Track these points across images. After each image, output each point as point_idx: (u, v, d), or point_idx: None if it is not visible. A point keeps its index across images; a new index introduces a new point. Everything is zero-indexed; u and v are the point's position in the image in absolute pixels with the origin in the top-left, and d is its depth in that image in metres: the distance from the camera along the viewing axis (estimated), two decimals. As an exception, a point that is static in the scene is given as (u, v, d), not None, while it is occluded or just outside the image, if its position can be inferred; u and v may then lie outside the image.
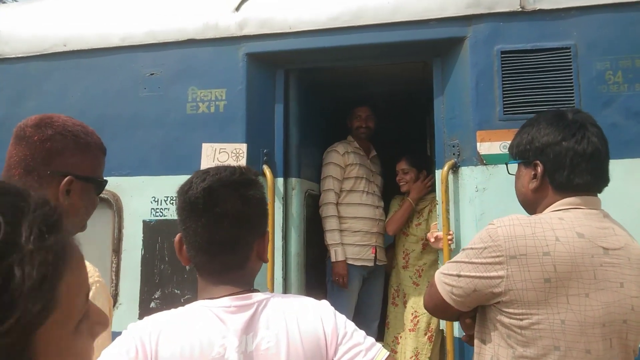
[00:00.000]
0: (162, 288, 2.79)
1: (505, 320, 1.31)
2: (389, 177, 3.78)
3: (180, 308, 1.11)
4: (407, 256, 3.35)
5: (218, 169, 1.17)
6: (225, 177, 1.14)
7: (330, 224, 3.30)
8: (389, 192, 3.73)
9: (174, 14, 2.98)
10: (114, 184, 2.89)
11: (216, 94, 2.84)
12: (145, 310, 2.77)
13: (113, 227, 2.87)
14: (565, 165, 1.38)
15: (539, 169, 1.41)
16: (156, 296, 2.79)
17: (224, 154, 2.75)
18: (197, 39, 2.92)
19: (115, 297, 2.81)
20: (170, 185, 2.82)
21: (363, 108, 3.62)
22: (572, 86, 2.50)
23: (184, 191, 1.15)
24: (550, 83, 2.52)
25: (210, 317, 1.07)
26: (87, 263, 1.15)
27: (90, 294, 1.08)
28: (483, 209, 2.53)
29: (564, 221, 1.32)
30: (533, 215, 1.40)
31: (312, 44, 2.81)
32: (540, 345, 1.26)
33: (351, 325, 1.14)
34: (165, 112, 2.90)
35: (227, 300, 1.09)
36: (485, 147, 2.54)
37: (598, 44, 2.52)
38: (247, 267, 1.16)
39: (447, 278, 1.41)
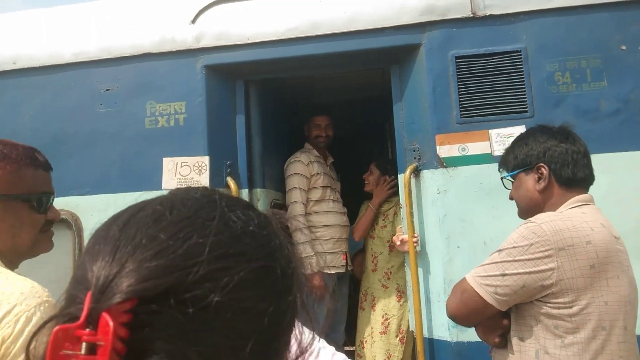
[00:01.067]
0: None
1: (553, 311, 1.40)
2: (350, 183, 3.82)
3: None
4: (375, 259, 3.38)
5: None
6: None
7: (302, 236, 3.28)
8: (348, 197, 3.75)
9: (129, 28, 2.94)
10: (73, 203, 2.82)
11: (175, 108, 2.81)
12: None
13: (73, 248, 2.78)
14: (568, 162, 1.58)
15: (545, 170, 1.59)
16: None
17: (185, 167, 2.71)
18: (153, 52, 2.88)
19: (78, 320, 2.72)
20: (131, 202, 2.73)
21: (322, 117, 3.62)
22: (524, 88, 2.60)
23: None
24: (503, 85, 2.61)
25: None
26: (34, 283, 1.12)
27: (37, 315, 1.05)
28: (445, 210, 2.58)
29: (586, 215, 1.48)
30: (559, 212, 1.53)
31: (271, 55, 2.81)
32: (589, 328, 1.39)
33: None
34: (123, 127, 2.84)
35: None
36: (444, 150, 2.60)
37: (546, 47, 2.62)
38: None
39: (487, 280, 1.47)
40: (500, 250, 1.49)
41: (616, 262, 1.43)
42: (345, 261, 3.42)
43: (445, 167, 2.60)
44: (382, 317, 3.20)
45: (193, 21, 2.87)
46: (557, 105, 2.58)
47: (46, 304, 1.11)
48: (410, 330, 2.81)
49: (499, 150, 2.56)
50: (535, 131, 1.68)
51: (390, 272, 3.29)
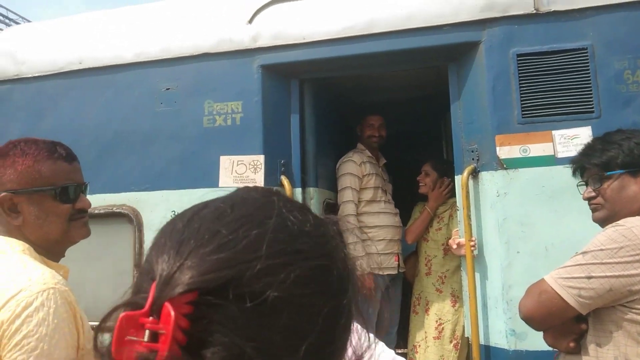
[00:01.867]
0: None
1: (638, 317, 1.38)
2: (402, 183, 3.77)
3: None
4: (429, 262, 3.33)
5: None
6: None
7: (352, 236, 3.26)
8: (401, 198, 3.71)
9: (188, 29, 3.00)
10: (134, 199, 2.91)
11: (232, 107, 2.85)
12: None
13: (134, 242, 2.88)
14: None
15: None
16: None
17: (241, 166, 2.75)
18: (211, 52, 2.93)
19: (137, 312, 2.82)
20: (189, 198, 2.83)
21: (376, 117, 3.59)
22: (590, 87, 2.48)
23: None
24: (568, 84, 2.50)
25: None
26: (46, 271, 1.16)
27: (39, 301, 1.08)
28: (505, 214, 2.51)
29: None
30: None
31: (326, 54, 2.81)
32: None
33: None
34: (182, 126, 2.91)
35: None
36: (505, 151, 2.53)
37: (615, 44, 2.50)
38: None
39: (571, 282, 1.44)
40: (585, 253, 1.45)
41: None
42: (397, 263, 3.39)
43: (506, 168, 2.53)
44: (436, 321, 3.15)
45: (250, 21, 2.91)
46: (627, 105, 2.46)
47: (51, 291, 1.12)
48: (466, 336, 2.75)
49: (562, 152, 2.47)
50: (633, 132, 1.62)
51: (445, 276, 3.23)
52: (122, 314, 0.44)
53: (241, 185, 2.85)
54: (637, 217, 1.47)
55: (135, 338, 0.43)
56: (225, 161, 2.78)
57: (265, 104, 2.83)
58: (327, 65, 2.92)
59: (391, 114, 3.72)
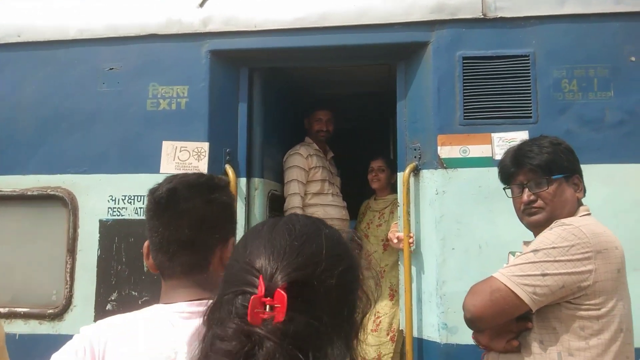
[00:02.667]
0: (119, 290, 2.71)
1: (583, 313, 1.44)
2: (350, 177, 3.80)
3: (135, 312, 1.08)
4: (368, 258, 3.37)
5: (187, 174, 1.22)
6: (191, 179, 1.18)
7: None
8: (347, 192, 3.74)
9: (136, 8, 2.91)
10: (70, 181, 2.81)
11: (178, 91, 2.79)
12: (100, 312, 2.69)
13: (68, 227, 2.77)
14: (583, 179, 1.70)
15: (580, 182, 1.66)
16: (112, 298, 2.71)
17: (184, 152, 2.70)
18: (159, 34, 2.86)
19: (69, 298, 2.72)
20: (128, 183, 2.76)
21: (324, 111, 3.60)
22: (530, 93, 2.58)
23: (151, 192, 1.18)
24: (509, 89, 2.59)
25: (163, 322, 1.04)
26: None
27: None
28: (442, 212, 2.57)
29: (599, 222, 1.57)
30: (583, 218, 1.59)
31: (277, 44, 2.79)
32: (612, 330, 1.44)
33: None
34: (124, 108, 2.82)
35: (182, 306, 1.06)
36: (445, 151, 2.59)
37: (555, 53, 2.60)
38: (208, 271, 1.13)
39: (526, 279, 1.45)
40: (536, 250, 1.48)
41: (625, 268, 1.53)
42: (342, 255, 3.41)
43: (445, 168, 2.59)
44: (374, 315, 3.20)
45: (201, 4, 2.85)
46: (562, 113, 2.56)
47: None
48: (401, 329, 2.81)
49: (500, 154, 2.53)
50: (556, 139, 1.71)
51: (384, 271, 3.29)
52: (252, 296, 0.68)
53: (183, 171, 2.78)
54: (577, 217, 1.56)
55: (260, 310, 0.67)
56: (167, 147, 2.71)
57: (212, 90, 2.78)
58: (278, 55, 2.90)
59: (342, 109, 3.74)
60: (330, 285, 0.73)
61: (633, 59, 2.58)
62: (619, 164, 2.51)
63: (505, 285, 1.46)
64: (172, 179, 1.18)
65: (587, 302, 1.44)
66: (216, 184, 1.19)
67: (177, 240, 1.12)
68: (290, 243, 0.74)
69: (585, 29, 2.61)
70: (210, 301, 0.79)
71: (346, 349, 0.75)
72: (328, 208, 3.41)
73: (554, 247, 1.45)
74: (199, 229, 1.13)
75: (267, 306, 0.67)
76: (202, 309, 1.04)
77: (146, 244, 1.19)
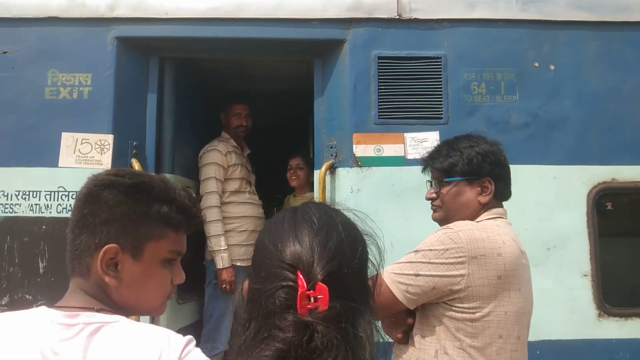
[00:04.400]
0: (11, 293, 2.49)
1: (457, 315, 1.47)
2: (265, 174, 3.75)
3: (21, 311, 0.98)
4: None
5: (110, 171, 1.10)
6: (98, 177, 1.06)
7: (216, 229, 3.13)
8: (262, 189, 3.68)
9: (34, -13, 2.68)
10: (-46, 174, 2.54)
11: (80, 79, 2.60)
12: (-12, 317, 2.45)
13: (-50, 224, 2.51)
14: (508, 182, 1.68)
15: (490, 186, 1.63)
16: (3, 302, 2.49)
17: (86, 144, 2.52)
18: (60, 17, 2.65)
19: (-47, 303, 2.47)
20: (23, 178, 2.54)
21: (242, 105, 3.49)
22: (441, 94, 2.64)
23: None
24: (422, 90, 2.64)
25: (37, 325, 0.94)
26: None
27: None
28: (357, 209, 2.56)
29: (500, 228, 1.56)
30: (476, 222, 1.59)
31: (190, 33, 2.67)
32: (487, 334, 1.45)
33: None
34: (19, 95, 2.59)
35: (59, 314, 0.96)
36: (360, 150, 2.59)
37: (465, 56, 2.68)
38: (89, 278, 1.02)
39: (401, 277, 1.49)
40: (417, 251, 1.51)
41: (520, 275, 1.51)
42: (258, 254, 3.34)
43: (360, 166, 2.59)
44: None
45: (108, -11, 2.66)
46: (471, 115, 2.65)
47: None
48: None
49: (412, 154, 2.59)
50: (476, 139, 1.69)
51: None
52: (300, 291, 0.77)
53: (84, 166, 2.56)
54: (467, 222, 1.55)
55: (306, 302, 0.76)
56: (67, 138, 2.52)
57: (118, 79, 2.62)
58: (191, 45, 2.78)
59: (259, 105, 3.66)
60: (355, 268, 0.85)
61: (537, 64, 2.71)
62: (523, 164, 2.62)
63: (385, 281, 1.51)
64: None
65: (461, 305, 1.45)
66: (110, 180, 1.05)
67: (68, 242, 1.05)
68: (315, 237, 0.84)
69: (494, 33, 2.71)
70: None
71: (370, 315, 0.86)
72: (245, 206, 3.33)
73: (430, 250, 1.48)
74: (78, 229, 1.02)
75: (312, 298, 0.77)
76: (71, 321, 0.94)
77: None
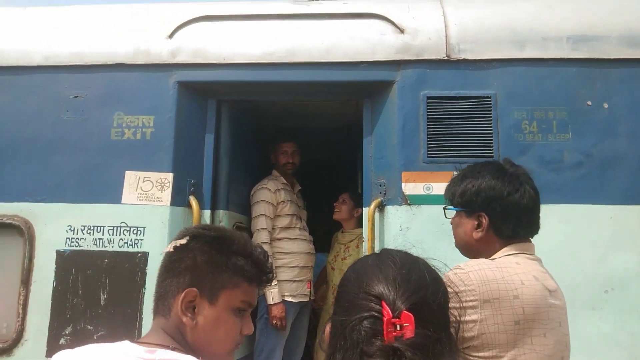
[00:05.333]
0: (74, 323, 2.62)
1: None
2: (317, 209, 3.80)
3: (107, 344, 1.07)
4: (335, 291, 3.35)
5: (199, 225, 1.36)
6: (188, 229, 1.21)
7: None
8: (315, 224, 3.73)
9: (104, 36, 2.89)
10: (27, 209, 2.73)
11: (144, 121, 2.76)
12: (53, 347, 2.58)
13: (23, 257, 2.68)
14: (511, 219, 1.50)
15: (485, 221, 1.51)
16: (67, 332, 2.61)
17: (147, 182, 2.66)
18: (126, 63, 2.84)
19: (20, 332, 2.61)
20: (88, 214, 2.69)
21: (289, 144, 3.61)
22: (491, 133, 2.64)
23: None
24: (471, 129, 2.65)
25: (125, 359, 1.02)
26: None
27: None
28: (406, 247, 2.57)
29: (520, 265, 1.41)
30: (493, 260, 1.46)
31: (246, 77, 2.80)
32: None
33: None
34: (87, 136, 2.78)
35: (141, 349, 1.04)
36: (409, 188, 2.61)
37: (516, 95, 2.68)
38: (169, 318, 1.11)
39: None
40: None
41: (544, 319, 1.36)
42: (309, 290, 3.38)
43: (410, 204, 2.61)
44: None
45: (170, 36, 2.85)
46: (523, 153, 2.63)
47: None
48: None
49: (462, 193, 2.59)
50: (486, 172, 1.56)
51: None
52: (385, 319, 0.84)
53: (145, 202, 2.68)
54: (479, 261, 1.43)
55: (392, 330, 0.83)
56: (130, 177, 2.67)
57: (178, 121, 2.76)
58: (246, 89, 2.91)
59: (311, 142, 3.76)
60: (438, 303, 0.90)
61: (589, 103, 2.68)
62: (576, 204, 2.57)
63: None
64: None
65: (477, 354, 1.32)
66: (193, 231, 1.19)
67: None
68: (399, 272, 0.91)
69: (545, 72, 2.70)
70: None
71: (454, 349, 0.92)
72: (296, 242, 3.39)
73: None
74: (164, 272, 1.15)
75: (398, 326, 0.83)
76: (149, 356, 1.02)
77: None
